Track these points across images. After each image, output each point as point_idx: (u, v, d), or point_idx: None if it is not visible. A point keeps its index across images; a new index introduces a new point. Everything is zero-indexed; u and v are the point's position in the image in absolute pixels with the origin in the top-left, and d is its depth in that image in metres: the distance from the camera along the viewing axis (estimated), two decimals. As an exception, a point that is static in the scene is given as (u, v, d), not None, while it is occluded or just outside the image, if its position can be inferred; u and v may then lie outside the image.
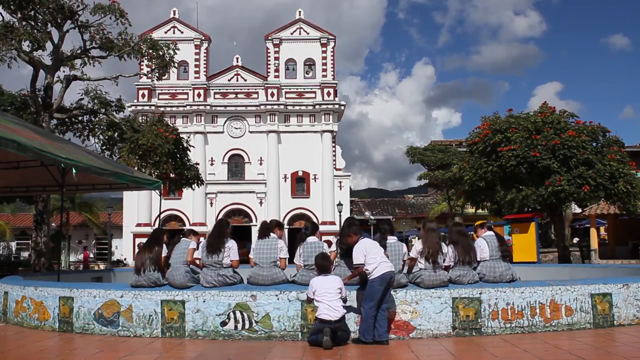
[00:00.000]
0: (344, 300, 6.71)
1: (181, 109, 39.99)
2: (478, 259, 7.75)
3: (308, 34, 41.43)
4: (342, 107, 41.09)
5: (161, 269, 7.83)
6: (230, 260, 7.57)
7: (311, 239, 7.84)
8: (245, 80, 41.19)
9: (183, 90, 40.45)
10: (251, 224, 38.75)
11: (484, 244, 7.85)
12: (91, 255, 37.48)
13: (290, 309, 7.13)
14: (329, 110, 40.40)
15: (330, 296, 6.58)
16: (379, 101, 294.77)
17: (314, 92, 40.72)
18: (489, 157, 19.02)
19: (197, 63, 40.73)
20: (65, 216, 31.05)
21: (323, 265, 6.89)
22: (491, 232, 8.16)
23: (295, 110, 40.49)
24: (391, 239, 7.45)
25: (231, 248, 7.60)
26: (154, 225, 35.55)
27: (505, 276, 7.65)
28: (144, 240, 8.94)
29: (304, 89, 40.87)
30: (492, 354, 6.21)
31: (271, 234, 7.80)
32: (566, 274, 11.54)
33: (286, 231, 38.04)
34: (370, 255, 6.78)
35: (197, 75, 40.62)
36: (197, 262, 8.00)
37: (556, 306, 7.39)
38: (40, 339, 7.48)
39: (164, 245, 8.11)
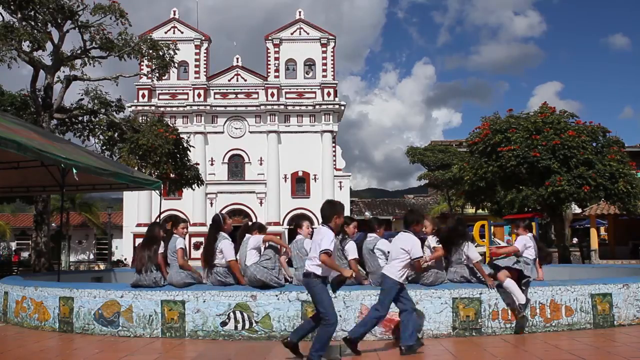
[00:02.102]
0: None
1: (181, 109, 39.98)
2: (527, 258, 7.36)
3: (308, 34, 41.42)
4: (342, 107, 41.08)
5: (161, 269, 7.81)
6: (229, 260, 7.48)
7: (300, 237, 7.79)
8: (245, 80, 41.18)
9: (183, 90, 40.44)
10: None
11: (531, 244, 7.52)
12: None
13: (291, 309, 7.14)
14: (329, 110, 40.40)
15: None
16: (379, 101, 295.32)
17: (314, 92, 40.71)
18: (489, 157, 19.00)
19: (197, 63, 40.72)
20: (65, 216, 31.05)
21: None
22: (531, 234, 7.72)
23: (295, 111, 40.48)
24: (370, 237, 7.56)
25: (223, 249, 7.49)
26: (154, 225, 35.44)
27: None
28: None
29: (304, 89, 40.86)
30: (492, 354, 6.22)
31: (247, 235, 7.58)
32: (566, 274, 11.53)
33: (286, 231, 38.07)
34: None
35: (197, 75, 40.61)
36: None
37: (556, 306, 7.40)
38: (40, 339, 7.48)
39: (161, 242, 8.04)
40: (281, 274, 7.39)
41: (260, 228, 7.80)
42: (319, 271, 5.67)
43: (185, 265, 7.69)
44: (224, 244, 7.48)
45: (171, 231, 8.10)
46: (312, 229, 7.57)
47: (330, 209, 5.82)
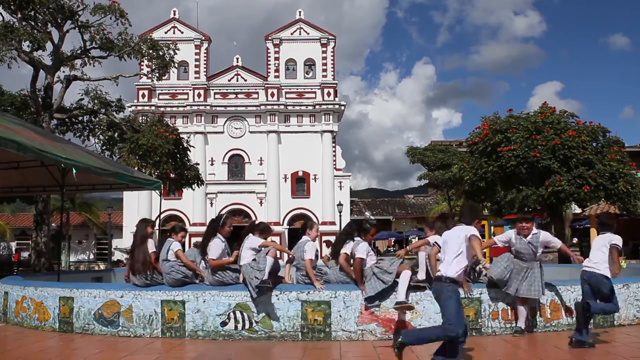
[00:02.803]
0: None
1: (181, 109, 39.99)
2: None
3: (308, 34, 41.41)
4: (342, 107, 41.08)
5: (154, 267, 7.81)
6: (209, 259, 7.47)
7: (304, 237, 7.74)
8: (245, 80, 41.18)
9: (183, 90, 40.44)
10: (251, 224, 38.63)
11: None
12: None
13: (290, 309, 7.13)
14: (329, 110, 40.40)
15: None
16: (379, 101, 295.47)
17: (314, 92, 40.71)
18: (489, 157, 19.02)
19: (197, 63, 40.72)
20: (65, 216, 31.04)
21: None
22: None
23: (295, 111, 40.48)
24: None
25: (210, 247, 7.47)
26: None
27: None
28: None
29: (304, 89, 40.86)
30: (492, 354, 6.21)
31: (250, 234, 7.53)
32: (566, 274, 11.52)
33: (286, 231, 38.09)
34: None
35: (197, 75, 40.61)
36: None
37: (556, 306, 7.40)
38: (40, 339, 7.48)
39: (152, 241, 8.04)
40: (262, 275, 6.98)
41: (264, 230, 7.67)
42: (452, 272, 5.24)
43: (190, 265, 7.71)
44: (213, 242, 7.51)
45: (167, 234, 8.14)
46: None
47: (471, 213, 5.69)
